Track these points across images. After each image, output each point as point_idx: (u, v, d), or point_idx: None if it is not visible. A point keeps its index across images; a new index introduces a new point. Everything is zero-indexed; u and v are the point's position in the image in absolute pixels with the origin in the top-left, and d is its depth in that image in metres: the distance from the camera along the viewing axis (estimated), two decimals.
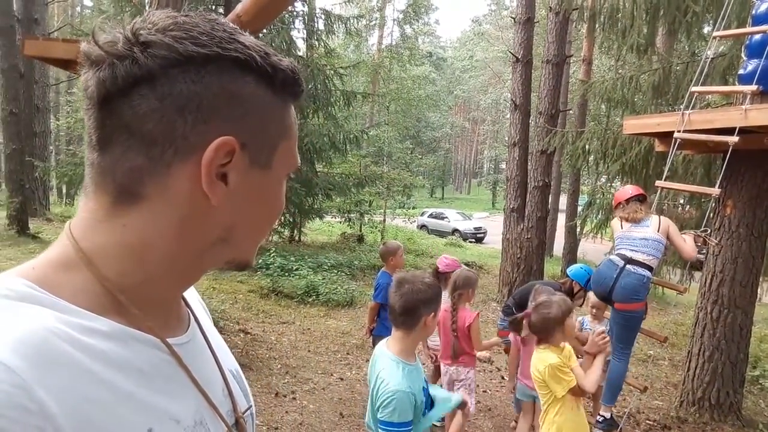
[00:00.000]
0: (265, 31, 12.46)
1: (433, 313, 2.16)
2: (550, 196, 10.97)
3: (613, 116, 10.59)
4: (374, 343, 5.03)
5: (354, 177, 13.22)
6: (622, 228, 4.38)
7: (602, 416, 4.36)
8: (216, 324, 4.51)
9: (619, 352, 4.31)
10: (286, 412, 4.76)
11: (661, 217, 4.42)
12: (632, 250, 4.19)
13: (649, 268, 4.15)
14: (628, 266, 4.14)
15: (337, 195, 12.97)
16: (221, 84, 0.58)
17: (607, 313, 4.80)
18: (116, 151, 0.57)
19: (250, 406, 0.76)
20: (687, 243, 4.25)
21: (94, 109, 0.57)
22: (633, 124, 5.17)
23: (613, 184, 10.31)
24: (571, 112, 14.63)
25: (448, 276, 4.97)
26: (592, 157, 7.91)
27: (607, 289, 4.21)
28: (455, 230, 24.84)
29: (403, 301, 2.13)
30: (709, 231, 4.44)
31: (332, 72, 12.74)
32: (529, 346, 3.94)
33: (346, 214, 15.91)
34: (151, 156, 0.56)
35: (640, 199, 4.51)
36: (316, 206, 13.42)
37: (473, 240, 23.75)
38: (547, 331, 2.94)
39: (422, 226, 26.25)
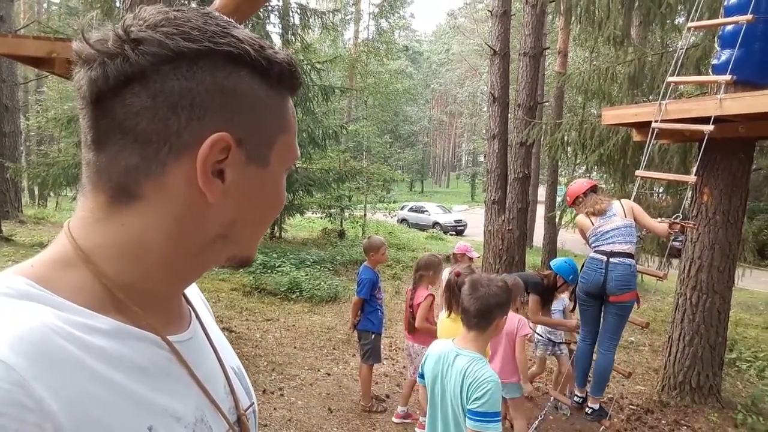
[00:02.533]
0: (243, 24, 12.33)
1: (505, 316, 2.26)
2: (530, 187, 11.08)
3: (590, 108, 10.72)
4: (359, 338, 5.04)
5: (334, 172, 13.17)
6: (593, 224, 4.41)
7: (591, 408, 4.42)
8: None
9: (608, 343, 4.37)
10: (275, 408, 4.75)
11: (622, 200, 4.49)
12: (609, 244, 4.24)
13: (631, 256, 4.23)
14: (611, 260, 4.19)
15: (318, 191, 12.93)
16: (214, 79, 0.57)
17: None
18: (111, 150, 0.56)
19: (252, 404, 0.76)
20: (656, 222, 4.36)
21: (87, 108, 0.57)
22: (611, 115, 5.25)
23: (591, 175, 10.46)
24: (548, 103, 14.76)
25: (459, 257, 5.44)
26: (570, 149, 8.00)
27: (599, 285, 4.24)
28: (435, 223, 24.95)
29: (479, 305, 2.20)
30: (681, 216, 4.52)
31: (309, 67, 12.65)
32: (499, 340, 3.98)
33: (326, 210, 15.86)
34: (145, 155, 0.56)
35: (594, 190, 4.59)
36: (296, 202, 13.35)
37: (454, 233, 23.89)
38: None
39: (403, 220, 26.32)
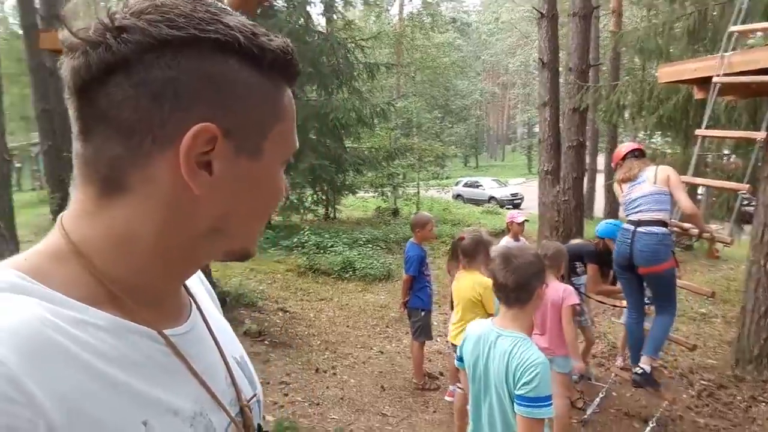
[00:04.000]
0: (283, 6, 12.36)
1: (543, 284, 2.12)
2: (587, 156, 10.64)
3: (648, 68, 10.09)
4: (410, 316, 5.00)
5: (384, 150, 13.10)
6: (623, 192, 4.15)
7: (642, 368, 4.17)
8: (254, 304, 4.49)
9: (660, 307, 4.13)
10: (327, 387, 4.80)
11: (659, 166, 4.17)
12: (637, 212, 3.97)
13: (662, 224, 3.90)
14: (638, 229, 3.91)
15: (368, 169, 12.92)
16: (200, 68, 0.55)
17: None
18: (96, 141, 0.55)
19: (256, 393, 0.74)
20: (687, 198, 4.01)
21: (72, 98, 0.55)
22: (668, 72, 4.89)
23: (652, 139, 9.90)
24: (604, 68, 14.06)
25: (509, 226, 5.61)
26: (627, 112, 7.57)
27: (627, 256, 3.99)
28: (491, 198, 24.53)
29: (516, 276, 2.07)
30: (721, 228, 4.14)
31: (353, 45, 12.56)
32: (541, 308, 3.77)
33: (379, 189, 15.85)
34: (129, 146, 0.54)
35: (636, 154, 4.28)
36: (347, 182, 13.39)
37: (510, 206, 23.36)
38: (474, 253, 3.73)
39: (458, 196, 26.03)
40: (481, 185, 26.47)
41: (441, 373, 5.21)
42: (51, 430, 0.45)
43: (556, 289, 3.74)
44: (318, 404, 4.45)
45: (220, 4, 0.59)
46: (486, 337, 2.15)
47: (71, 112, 0.56)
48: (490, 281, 3.24)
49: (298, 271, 9.09)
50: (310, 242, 10.20)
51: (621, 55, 13.12)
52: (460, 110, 39.18)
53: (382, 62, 14.49)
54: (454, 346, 3.82)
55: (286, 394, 4.54)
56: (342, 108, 10.88)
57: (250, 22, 0.59)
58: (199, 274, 0.80)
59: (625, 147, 4.44)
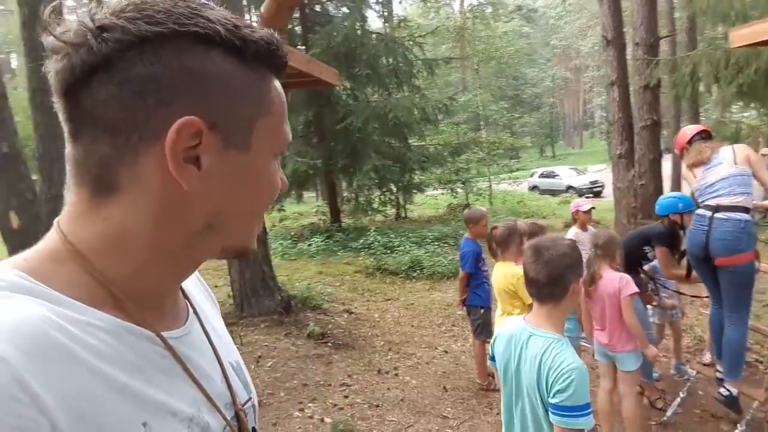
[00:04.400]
0: (338, 12, 12.47)
1: (579, 277, 1.95)
2: (667, 135, 9.94)
3: (723, 35, 9.26)
4: (469, 314, 4.85)
5: (449, 146, 12.92)
6: (695, 177, 3.77)
7: (728, 390, 3.78)
8: (320, 306, 4.56)
9: (731, 316, 3.68)
10: (388, 388, 4.74)
11: (735, 145, 3.75)
12: (716, 197, 3.59)
13: (744, 210, 3.51)
14: (716, 215, 3.54)
15: (433, 166, 12.76)
16: (181, 62, 0.55)
17: None
18: (85, 142, 0.56)
19: (250, 398, 0.75)
20: None
21: (60, 101, 0.56)
22: (742, 35, 4.40)
23: (731, 111, 9.08)
24: (679, 39, 13.10)
25: (575, 216, 5.39)
26: (702, 83, 6.97)
27: (702, 245, 3.61)
28: (569, 187, 23.68)
29: (549, 269, 1.90)
30: None
31: (411, 42, 12.47)
32: (598, 301, 3.54)
33: (447, 185, 15.67)
34: (116, 145, 0.55)
35: (703, 136, 3.89)
36: (415, 181, 13.31)
37: (590, 195, 22.39)
38: (507, 243, 3.71)
39: (533, 188, 25.40)
40: (557, 175, 25.64)
41: None
42: (55, 431, 0.45)
43: (611, 279, 3.47)
44: (377, 406, 4.40)
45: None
46: (518, 337, 1.99)
47: (60, 116, 0.57)
48: (520, 270, 3.24)
49: (366, 272, 9.13)
50: (378, 243, 10.25)
51: (698, 25, 12.16)
52: (531, 99, 38.00)
53: (441, 57, 14.28)
54: None
55: (347, 396, 4.53)
56: (401, 106, 10.81)
57: (233, 16, 0.58)
58: (198, 276, 0.80)
59: (690, 130, 4.07)
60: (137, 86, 0.53)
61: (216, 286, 7.96)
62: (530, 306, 3.38)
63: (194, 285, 0.78)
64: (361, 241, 10.55)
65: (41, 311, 0.50)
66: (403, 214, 15.99)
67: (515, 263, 3.75)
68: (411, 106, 11.35)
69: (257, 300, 6.05)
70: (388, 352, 5.61)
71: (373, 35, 12.45)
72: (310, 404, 4.39)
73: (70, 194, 0.58)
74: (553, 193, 23.44)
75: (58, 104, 0.56)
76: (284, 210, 13.61)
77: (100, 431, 0.49)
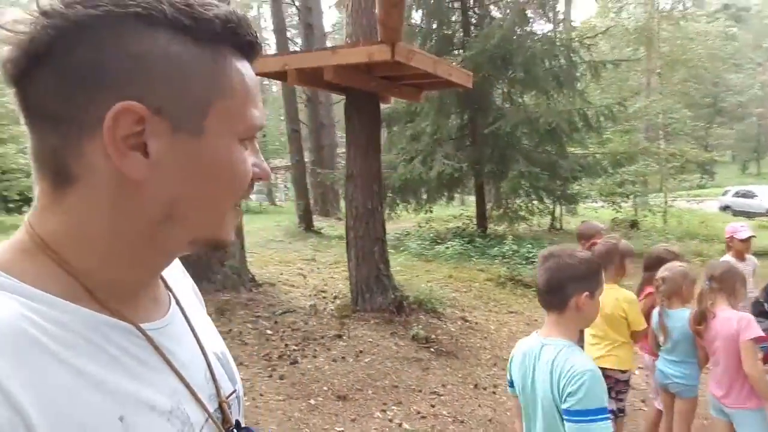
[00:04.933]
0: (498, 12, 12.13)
1: (586, 293, 1.85)
2: None
3: None
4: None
5: (610, 155, 11.87)
6: None
7: None
8: (435, 310, 5.40)
9: None
10: (479, 405, 4.49)
11: None
12: None
13: None
14: None
15: (588, 176, 11.81)
16: (121, 45, 0.52)
17: None
18: (37, 133, 0.55)
19: (235, 390, 0.73)
20: None
21: (12, 93, 0.55)
22: None
23: None
24: None
25: (729, 243, 4.72)
26: None
27: None
28: None
29: (547, 277, 1.89)
30: None
31: (578, 44, 11.68)
32: (712, 345, 3.02)
33: (609, 197, 14.41)
34: (62, 135, 0.53)
35: None
36: (568, 191, 12.47)
37: None
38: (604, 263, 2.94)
39: (725, 207, 22.33)
40: (755, 195, 22.22)
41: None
42: (29, 429, 0.45)
43: (728, 319, 2.89)
44: (462, 422, 4.20)
45: None
46: (531, 351, 1.93)
47: (16, 108, 0.56)
48: (632, 295, 3.37)
49: (497, 281, 8.78)
50: (514, 252, 9.81)
51: None
52: (733, 109, 33.24)
53: (613, 59, 13.15)
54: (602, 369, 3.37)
55: (433, 406, 4.39)
56: (554, 111, 10.16)
57: None
58: (182, 268, 0.80)
59: None
60: (77, 73, 0.52)
61: (331, 277, 8.30)
62: (635, 335, 3.36)
63: (177, 276, 0.76)
64: (497, 249, 10.18)
65: (13, 306, 0.49)
66: (558, 225, 15.11)
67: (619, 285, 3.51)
68: (569, 111, 10.63)
69: (371, 296, 6.15)
70: (492, 367, 5.33)
71: (536, 37, 11.92)
72: (393, 407, 4.34)
73: (36, 188, 0.58)
74: (748, 215, 20.28)
75: (12, 96, 0.55)
76: (431, 212, 13.65)
77: (76, 427, 0.49)
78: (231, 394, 0.71)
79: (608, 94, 14.43)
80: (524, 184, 11.04)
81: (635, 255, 3.92)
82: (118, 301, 0.58)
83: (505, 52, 10.46)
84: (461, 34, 12.32)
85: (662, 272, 3.39)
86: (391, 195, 12.73)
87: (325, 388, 4.54)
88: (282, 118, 17.16)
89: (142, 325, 0.59)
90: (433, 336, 5.75)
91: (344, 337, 5.62)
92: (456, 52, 11.97)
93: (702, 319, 3.12)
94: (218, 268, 6.72)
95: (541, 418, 1.83)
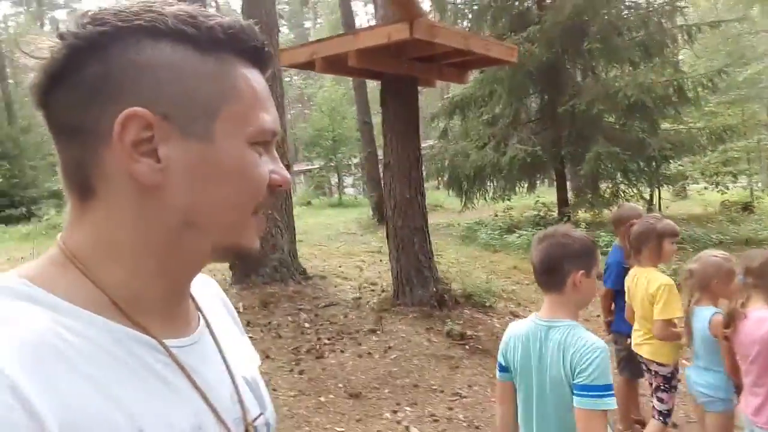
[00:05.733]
0: None
1: (582, 271, 1.83)
2: None
3: None
4: (615, 342, 3.86)
5: (708, 130, 10.56)
6: None
7: None
8: (483, 304, 5.52)
9: None
10: None
11: None
12: None
13: None
14: None
15: (680, 155, 10.58)
16: (127, 57, 0.55)
17: None
18: (61, 149, 0.58)
19: (262, 414, 0.71)
20: None
21: (42, 116, 0.59)
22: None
23: None
24: None
25: None
26: None
27: None
28: None
29: (542, 256, 1.90)
30: None
31: (669, 7, 10.48)
32: (742, 351, 2.50)
33: (712, 178, 12.89)
34: (81, 148, 0.56)
35: None
36: (666, 171, 11.29)
37: None
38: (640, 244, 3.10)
39: None
40: None
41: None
42: None
43: (760, 321, 2.35)
44: (477, 428, 3.86)
45: (175, 2, 0.59)
46: (535, 335, 1.90)
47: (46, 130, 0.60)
48: (665, 279, 2.99)
49: None
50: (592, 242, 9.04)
51: None
52: None
53: (704, 21, 11.65)
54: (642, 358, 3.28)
55: (451, 408, 4.08)
56: (633, 84, 9.13)
57: (192, 8, 0.58)
58: (218, 288, 0.81)
59: None
60: (89, 87, 0.54)
61: (388, 270, 8.09)
62: (655, 326, 3.02)
63: (210, 297, 0.77)
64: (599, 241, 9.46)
65: (42, 320, 0.51)
66: (657, 210, 13.81)
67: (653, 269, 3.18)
68: (656, 83, 9.54)
69: (411, 289, 5.90)
70: None
71: (619, 3, 10.84)
72: (407, 408, 4.09)
73: (67, 202, 0.60)
74: None
75: (42, 119, 0.58)
76: (509, 200, 13.01)
77: None
78: (258, 418, 0.69)
79: (713, 60, 12.81)
80: (605, 166, 10.12)
81: (680, 238, 3.44)
82: (144, 316, 0.58)
83: (580, 22, 9.62)
84: (535, 8, 11.53)
85: (691, 263, 2.91)
86: (465, 184, 12.32)
87: (340, 386, 4.39)
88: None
89: (167, 342, 0.59)
90: (471, 332, 5.39)
91: (378, 332, 5.44)
92: (530, 28, 11.23)
93: (730, 320, 2.59)
94: (267, 261, 6.81)
95: (551, 399, 1.84)
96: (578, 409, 1.74)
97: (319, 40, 5.37)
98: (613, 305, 3.92)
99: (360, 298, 6.52)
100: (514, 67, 10.31)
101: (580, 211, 11.77)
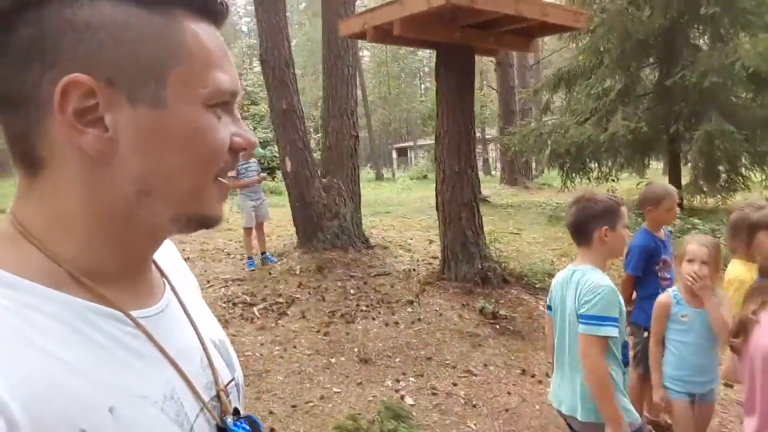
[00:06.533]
0: None
1: (606, 227, 2.19)
2: None
3: None
4: (633, 334, 3.52)
5: None
6: None
7: None
8: (533, 285, 5.65)
9: None
10: (508, 392, 3.94)
11: None
12: None
13: None
14: None
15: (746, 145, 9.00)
16: (63, 18, 0.50)
17: None
18: (4, 120, 0.54)
19: (234, 378, 0.72)
20: None
21: None
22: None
23: None
24: None
25: None
26: None
27: None
28: None
29: (572, 218, 2.27)
30: None
31: None
32: (747, 363, 2.09)
33: None
34: (23, 117, 0.52)
35: None
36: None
37: None
38: (732, 236, 2.79)
39: None
40: None
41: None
42: (10, 424, 0.43)
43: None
44: (474, 406, 3.75)
45: None
46: (564, 278, 2.29)
47: None
48: (743, 273, 2.70)
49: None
50: (686, 230, 8.19)
51: None
52: None
53: None
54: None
55: (455, 384, 4.02)
56: (752, 53, 7.86)
57: None
58: (176, 252, 0.79)
59: None
60: (23, 52, 0.50)
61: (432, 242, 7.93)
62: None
63: (172, 261, 0.75)
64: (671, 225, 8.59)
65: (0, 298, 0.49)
66: None
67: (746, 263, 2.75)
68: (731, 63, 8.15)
69: (456, 264, 5.80)
70: None
71: None
72: (412, 378, 4.10)
73: (16, 175, 0.57)
74: None
75: None
76: (614, 181, 12.05)
77: (63, 420, 0.46)
78: (229, 383, 0.69)
79: None
80: (723, 147, 8.97)
81: None
82: (106, 288, 0.56)
83: None
84: None
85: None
86: (567, 162, 11.65)
87: (356, 350, 4.50)
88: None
89: (133, 312, 0.57)
90: (507, 313, 5.18)
91: (414, 304, 5.44)
92: None
93: (738, 330, 2.24)
94: (329, 228, 7.06)
95: (568, 329, 2.23)
96: (580, 335, 2.10)
97: (371, 9, 5.34)
98: (634, 294, 3.56)
99: (413, 270, 6.54)
100: (623, 35, 9.50)
101: (698, 197, 10.60)
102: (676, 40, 9.64)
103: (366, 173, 28.77)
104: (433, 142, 6.16)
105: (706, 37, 9.88)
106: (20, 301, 0.49)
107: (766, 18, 8.79)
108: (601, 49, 9.88)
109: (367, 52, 37.97)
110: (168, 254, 0.73)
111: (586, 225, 2.21)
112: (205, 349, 0.66)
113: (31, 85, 0.51)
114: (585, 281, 2.13)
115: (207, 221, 0.60)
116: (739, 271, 2.70)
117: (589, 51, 10.28)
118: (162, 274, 0.68)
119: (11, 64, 0.50)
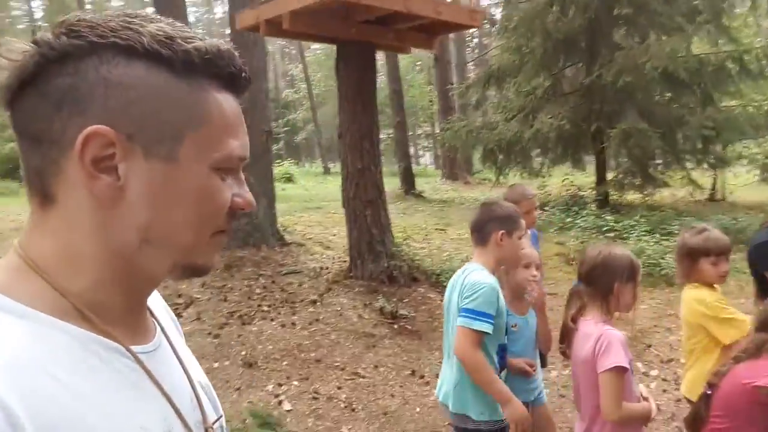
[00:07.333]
0: None
1: (503, 231, 2.28)
2: None
3: None
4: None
5: (764, 110, 9.33)
6: None
7: None
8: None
9: None
10: (391, 395, 3.89)
11: None
12: None
13: None
14: None
15: (724, 136, 9.41)
16: (99, 73, 0.55)
17: None
18: (24, 154, 0.59)
19: (220, 417, 0.74)
20: None
21: (8, 116, 0.60)
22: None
23: None
24: None
25: None
26: None
27: None
28: None
29: (475, 219, 2.38)
30: None
31: None
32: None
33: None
34: (42, 155, 0.57)
35: None
36: (711, 151, 10.13)
37: None
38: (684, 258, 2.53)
39: None
40: None
41: None
42: None
43: (587, 335, 2.07)
44: (353, 410, 3.70)
45: (149, 14, 0.60)
46: (456, 278, 2.36)
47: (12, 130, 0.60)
48: (713, 297, 2.43)
49: (567, 257, 7.56)
50: (610, 227, 8.38)
51: None
52: None
53: None
54: (689, 401, 2.41)
55: (339, 388, 3.94)
56: (660, 55, 8.10)
57: (174, 28, 0.58)
58: (162, 301, 0.81)
59: None
60: (56, 97, 0.55)
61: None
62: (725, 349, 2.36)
63: (159, 306, 0.77)
64: (595, 220, 8.79)
65: (15, 327, 0.52)
66: (720, 197, 12.53)
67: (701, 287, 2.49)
68: (688, 54, 8.44)
69: (362, 263, 5.73)
70: None
71: None
72: (295, 382, 4.00)
73: (30, 207, 0.60)
74: None
75: (8, 119, 0.59)
76: (544, 177, 12.28)
77: None
78: (216, 422, 0.71)
79: None
80: (637, 144, 9.18)
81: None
82: (109, 324, 0.58)
83: None
84: None
85: None
86: (491, 158, 11.79)
87: (243, 353, 4.37)
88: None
89: (133, 348, 0.60)
90: (408, 312, 5.15)
91: (317, 303, 5.35)
92: None
93: (563, 335, 2.24)
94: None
95: (452, 326, 2.28)
96: (458, 327, 2.16)
97: (265, 2, 5.16)
98: None
99: (324, 268, 6.43)
100: (544, 35, 9.65)
101: (630, 193, 10.87)
102: (596, 40, 9.85)
103: (314, 168, 28.46)
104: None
105: (626, 37, 10.10)
106: (32, 330, 0.52)
107: (678, 19, 9.08)
108: (523, 49, 9.99)
109: (316, 45, 37.54)
110: (154, 297, 0.74)
111: (486, 226, 2.30)
112: (194, 388, 0.68)
113: (57, 127, 0.55)
114: (469, 278, 2.21)
115: (201, 271, 0.64)
116: (703, 295, 2.45)
117: (511, 50, 10.39)
118: (153, 315, 0.70)
119: (45, 106, 0.55)
